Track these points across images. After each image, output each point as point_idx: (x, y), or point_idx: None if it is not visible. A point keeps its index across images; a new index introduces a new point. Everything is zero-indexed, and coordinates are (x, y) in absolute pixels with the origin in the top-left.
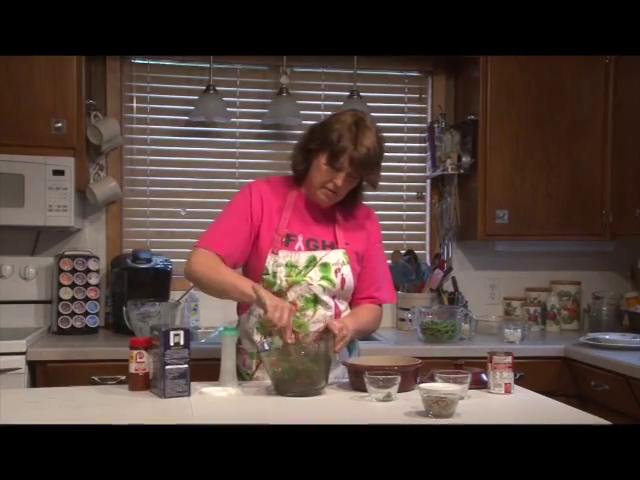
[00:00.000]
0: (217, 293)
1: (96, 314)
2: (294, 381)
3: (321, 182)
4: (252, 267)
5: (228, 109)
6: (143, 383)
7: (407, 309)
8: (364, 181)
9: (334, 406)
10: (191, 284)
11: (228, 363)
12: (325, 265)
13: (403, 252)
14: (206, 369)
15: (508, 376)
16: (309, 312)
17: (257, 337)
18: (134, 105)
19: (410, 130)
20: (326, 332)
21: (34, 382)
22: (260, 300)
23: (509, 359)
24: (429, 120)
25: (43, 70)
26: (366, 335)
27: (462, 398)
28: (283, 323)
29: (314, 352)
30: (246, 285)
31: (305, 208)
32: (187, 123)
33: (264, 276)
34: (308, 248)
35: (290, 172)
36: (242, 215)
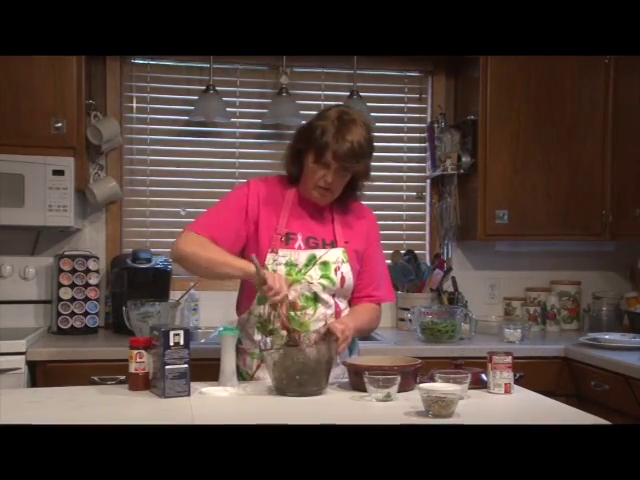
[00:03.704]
0: (205, 269)
1: (96, 314)
2: (295, 382)
3: (313, 181)
4: None
5: (228, 109)
6: (143, 383)
7: (407, 309)
8: (354, 174)
9: (334, 406)
10: (191, 283)
11: (228, 363)
12: (325, 263)
13: (403, 252)
14: (206, 369)
15: (508, 376)
16: (309, 311)
17: (257, 337)
18: (134, 105)
19: (410, 130)
20: (328, 334)
21: (34, 382)
22: (259, 272)
23: (509, 359)
24: (429, 120)
25: (43, 70)
26: (365, 334)
27: (462, 398)
28: (285, 291)
29: (316, 353)
30: (239, 260)
31: (303, 207)
32: (187, 123)
33: None
34: (308, 246)
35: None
36: (237, 207)
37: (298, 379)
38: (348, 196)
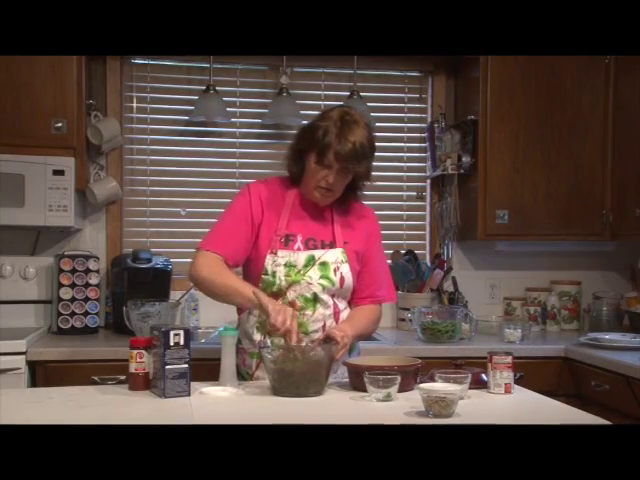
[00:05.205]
0: (219, 297)
1: (96, 314)
2: (293, 384)
3: (315, 181)
4: (252, 267)
5: (228, 109)
6: (143, 383)
7: (407, 309)
8: (355, 175)
9: (334, 406)
10: (191, 284)
11: (228, 363)
12: (324, 264)
13: (403, 252)
14: (206, 369)
15: (508, 376)
16: (308, 311)
17: (257, 337)
18: (134, 105)
19: (410, 130)
20: (327, 340)
21: (34, 382)
22: (262, 305)
23: (509, 359)
24: (429, 120)
25: (43, 70)
26: (364, 338)
27: (462, 398)
28: (287, 326)
29: (315, 356)
30: (248, 290)
31: (303, 208)
32: (187, 123)
33: (263, 276)
34: (307, 247)
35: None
36: (243, 216)
37: (296, 381)
38: (349, 196)
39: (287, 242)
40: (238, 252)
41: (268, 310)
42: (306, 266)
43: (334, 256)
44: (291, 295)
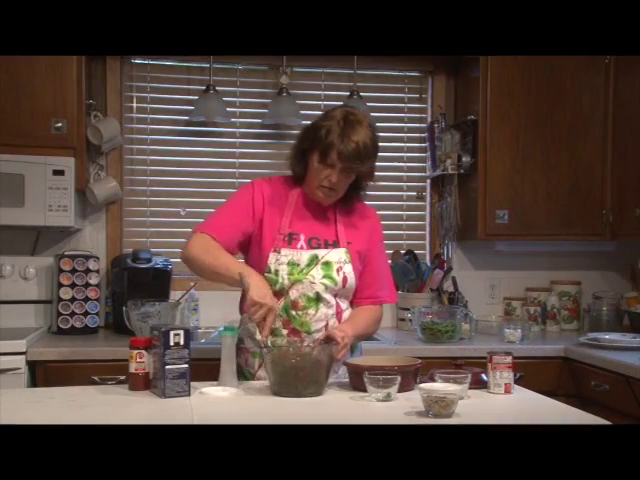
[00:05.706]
0: (209, 275)
1: (96, 314)
2: (292, 384)
3: (318, 181)
4: (255, 265)
5: (228, 109)
6: (143, 383)
7: (407, 309)
8: (358, 175)
9: (334, 406)
10: (192, 283)
11: (228, 363)
12: (327, 264)
13: (403, 252)
14: (206, 369)
15: (508, 376)
16: (311, 311)
17: (259, 336)
18: (134, 105)
19: (410, 130)
20: (327, 341)
21: (34, 382)
22: (245, 287)
23: (509, 359)
24: (429, 120)
25: (43, 70)
26: (365, 339)
27: (462, 398)
28: (255, 319)
29: (315, 356)
30: (237, 268)
31: (307, 207)
32: (187, 123)
33: (266, 274)
34: (310, 247)
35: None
36: (243, 207)
37: (296, 382)
38: (352, 196)
39: (290, 241)
40: (233, 240)
41: (248, 298)
42: (309, 265)
43: (337, 256)
44: (293, 294)
